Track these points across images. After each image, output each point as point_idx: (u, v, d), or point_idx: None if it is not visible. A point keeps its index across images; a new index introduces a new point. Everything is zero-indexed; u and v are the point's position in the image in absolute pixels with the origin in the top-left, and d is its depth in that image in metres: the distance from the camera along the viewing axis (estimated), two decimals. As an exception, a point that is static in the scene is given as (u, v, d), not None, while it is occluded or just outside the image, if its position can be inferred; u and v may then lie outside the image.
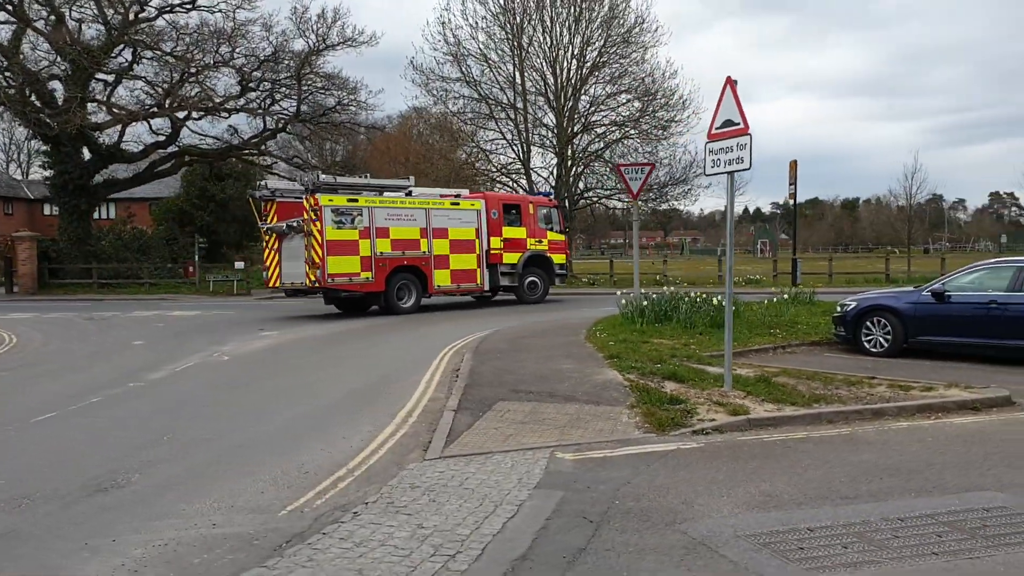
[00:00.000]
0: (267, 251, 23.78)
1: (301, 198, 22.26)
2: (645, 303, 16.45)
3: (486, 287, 25.36)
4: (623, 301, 17.39)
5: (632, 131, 40.26)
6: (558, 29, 39.76)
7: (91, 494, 6.95)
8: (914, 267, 41.25)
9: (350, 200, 22.26)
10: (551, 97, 40.57)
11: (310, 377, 12.72)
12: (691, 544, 5.48)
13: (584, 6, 39.07)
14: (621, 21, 39.70)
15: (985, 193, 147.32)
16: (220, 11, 35.36)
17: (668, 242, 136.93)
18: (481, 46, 39.91)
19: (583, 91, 40.56)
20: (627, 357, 12.44)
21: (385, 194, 23.50)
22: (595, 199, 43.49)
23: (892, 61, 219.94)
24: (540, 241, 26.57)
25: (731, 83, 9.84)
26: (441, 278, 23.99)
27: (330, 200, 21.82)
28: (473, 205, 25.01)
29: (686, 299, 16.56)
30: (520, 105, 40.50)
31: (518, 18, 39.49)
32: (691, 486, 6.77)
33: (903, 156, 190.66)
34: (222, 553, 5.56)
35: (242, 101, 37.88)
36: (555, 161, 41.58)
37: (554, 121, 40.86)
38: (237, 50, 35.51)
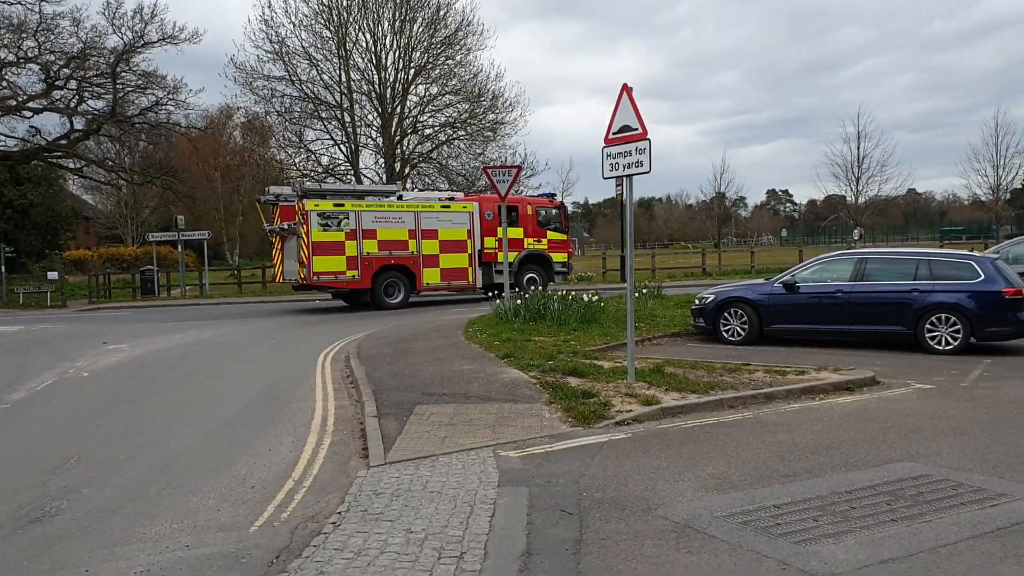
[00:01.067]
0: (274, 250, 26.56)
1: (289, 198, 24.70)
2: (519, 302, 16.84)
3: (478, 285, 26.77)
4: (497, 302, 17.70)
5: (461, 133, 40.73)
6: (383, 29, 39.63)
7: (26, 525, 6.45)
8: (724, 261, 44.18)
9: (336, 205, 24.26)
10: (375, 98, 40.37)
11: (194, 390, 12.17)
12: (678, 528, 5.82)
13: (408, 7, 39.16)
14: (446, 23, 40.11)
15: (763, 191, 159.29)
16: (22, 4, 32.72)
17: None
18: (304, 44, 39.16)
19: (410, 92, 40.64)
20: (520, 356, 12.74)
21: (369, 199, 25.32)
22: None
23: (676, 66, 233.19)
24: (539, 240, 28.04)
25: (627, 90, 10.33)
26: (430, 276, 25.72)
27: (316, 205, 23.89)
28: (465, 207, 26.69)
29: (555, 297, 17.09)
30: (347, 105, 40.04)
31: (342, 16, 39.02)
32: (643, 474, 7.13)
33: (690, 157, 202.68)
34: (217, 573, 5.36)
35: (46, 101, 35.19)
36: (382, 162, 41.41)
37: (380, 122, 40.70)
38: (44, 46, 32.91)
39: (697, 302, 15.93)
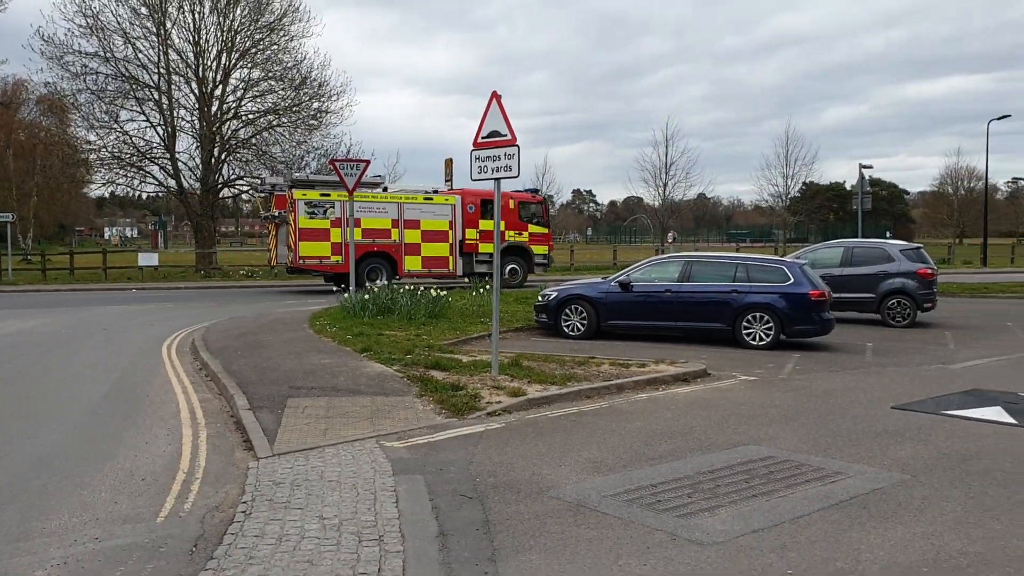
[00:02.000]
0: (270, 236, 28.86)
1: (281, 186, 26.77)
2: (367, 297, 17.01)
3: (459, 273, 28.87)
4: (345, 295, 17.76)
5: (284, 120, 39.94)
6: (205, 9, 38.18)
7: (-95, 526, 6.18)
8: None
9: (323, 195, 26.43)
10: (195, 80, 38.87)
11: (40, 384, 11.60)
12: (572, 507, 6.41)
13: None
14: (271, 9, 39.18)
15: (568, 190, 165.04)
16: None
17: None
18: (119, 20, 37.07)
19: (231, 76, 39.41)
20: (378, 350, 13.00)
21: (343, 190, 25.32)
22: (247, 188, 42.40)
23: (490, 63, 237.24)
24: (520, 233, 30.26)
25: (496, 97, 10.87)
26: (411, 263, 27.94)
27: (304, 195, 26.19)
28: (447, 200, 28.79)
29: (402, 292, 17.39)
30: (164, 87, 38.31)
31: (160, -7, 37.27)
32: (527, 460, 7.70)
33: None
34: (139, 564, 5.41)
35: None
36: (198, 146, 39.89)
37: (198, 105, 39.22)
38: None
39: (541, 299, 16.74)
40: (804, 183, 61.90)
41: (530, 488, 6.87)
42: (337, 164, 17.33)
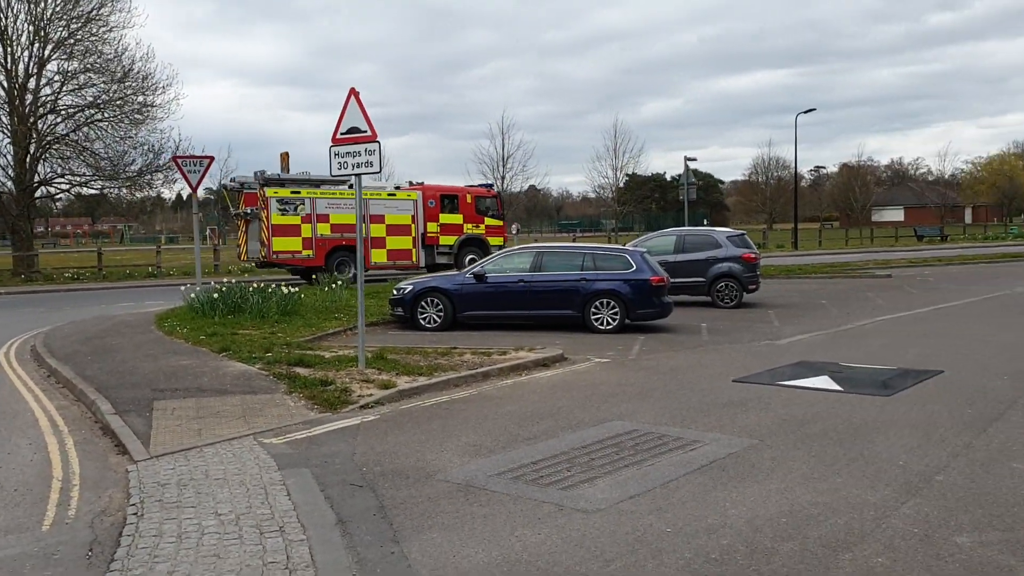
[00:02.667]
0: (239, 232, 29.84)
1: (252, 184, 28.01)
2: (216, 296, 16.64)
3: (421, 264, 30.30)
4: (192, 295, 17.28)
5: (107, 114, 37.92)
6: (13, -2, 35.65)
7: None
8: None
9: (293, 192, 27.66)
10: (2, 72, 36.27)
11: None
12: (462, 488, 6.76)
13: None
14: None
15: (405, 182, 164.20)
16: None
17: (102, 229, 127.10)
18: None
19: (46, 68, 37.02)
20: (236, 349, 12.86)
21: (324, 187, 28.44)
22: (67, 187, 39.94)
23: (315, 55, 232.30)
24: (477, 226, 31.89)
25: (355, 94, 11.03)
26: (377, 256, 29.14)
27: (275, 192, 27.27)
28: (409, 196, 30.37)
29: (252, 289, 17.13)
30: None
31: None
32: (409, 448, 7.99)
33: (325, 146, 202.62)
34: (36, 571, 5.34)
35: None
36: (10, 143, 37.27)
37: (7, 99, 36.63)
38: None
39: (396, 292, 16.93)
40: (627, 174, 64.50)
41: (418, 473, 7.17)
42: (179, 161, 16.86)
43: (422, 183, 32.64)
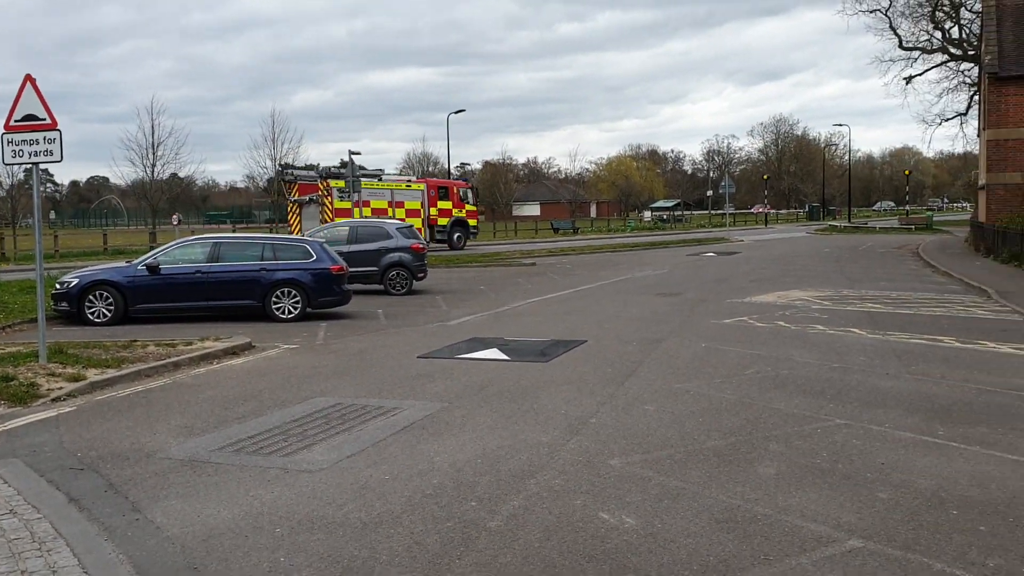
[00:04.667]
0: (292, 216, 37.47)
1: (315, 181, 36.02)
2: None
3: (430, 240, 38.34)
4: None
5: None
6: None
7: None
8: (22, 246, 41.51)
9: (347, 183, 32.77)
10: None
11: None
12: (188, 463, 7.21)
13: None
14: None
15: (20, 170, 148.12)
16: None
17: None
18: None
19: None
20: None
21: (365, 180, 34.66)
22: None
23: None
24: (461, 210, 42.70)
25: (31, 80, 10.64)
26: None
27: (336, 183, 34.83)
28: (419, 187, 40.86)
29: None
30: None
31: None
32: (120, 433, 8.17)
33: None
34: None
35: None
36: None
37: None
38: None
39: (59, 286, 16.07)
40: (281, 164, 64.21)
41: (137, 454, 7.47)
42: None
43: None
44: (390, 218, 32.92)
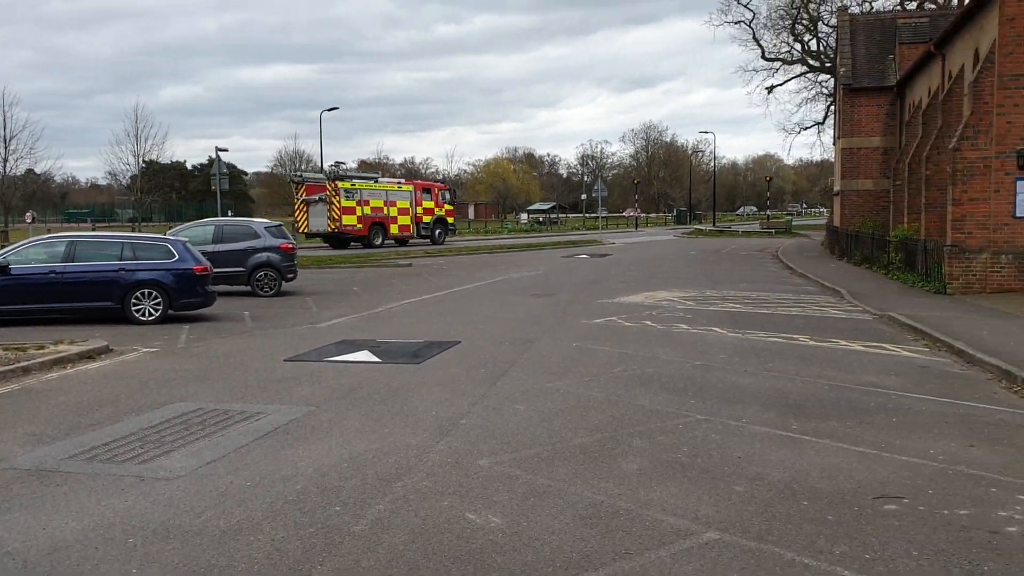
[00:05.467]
0: (299, 212, 42.37)
1: (322, 182, 41.41)
2: None
3: (416, 236, 45.24)
4: None
5: None
6: None
7: None
8: None
9: (351, 184, 41.51)
10: None
11: None
12: (34, 473, 6.81)
13: None
14: None
15: None
16: None
17: None
18: None
19: None
20: None
21: (365, 181, 43.08)
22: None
23: None
24: (441, 209, 47.31)
25: None
26: (394, 229, 43.88)
27: (342, 184, 40.97)
28: (408, 188, 45.95)
29: None
30: None
31: None
32: (-42, 444, 7.67)
33: None
34: None
35: None
36: None
37: None
38: None
39: None
40: (147, 161, 61.89)
41: (-21, 465, 7.02)
42: None
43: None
44: (259, 218, 32.09)
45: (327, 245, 43.24)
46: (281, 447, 7.54)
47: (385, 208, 43.30)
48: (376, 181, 44.42)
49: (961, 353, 11.91)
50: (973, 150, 19.55)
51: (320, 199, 40.99)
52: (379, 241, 42.61)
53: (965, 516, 5.78)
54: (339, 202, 40.63)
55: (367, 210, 41.79)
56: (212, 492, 6.32)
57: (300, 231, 42.47)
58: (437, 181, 55.28)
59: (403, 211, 44.48)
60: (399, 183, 46.84)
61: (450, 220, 49.12)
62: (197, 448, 7.50)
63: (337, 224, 40.74)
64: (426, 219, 46.18)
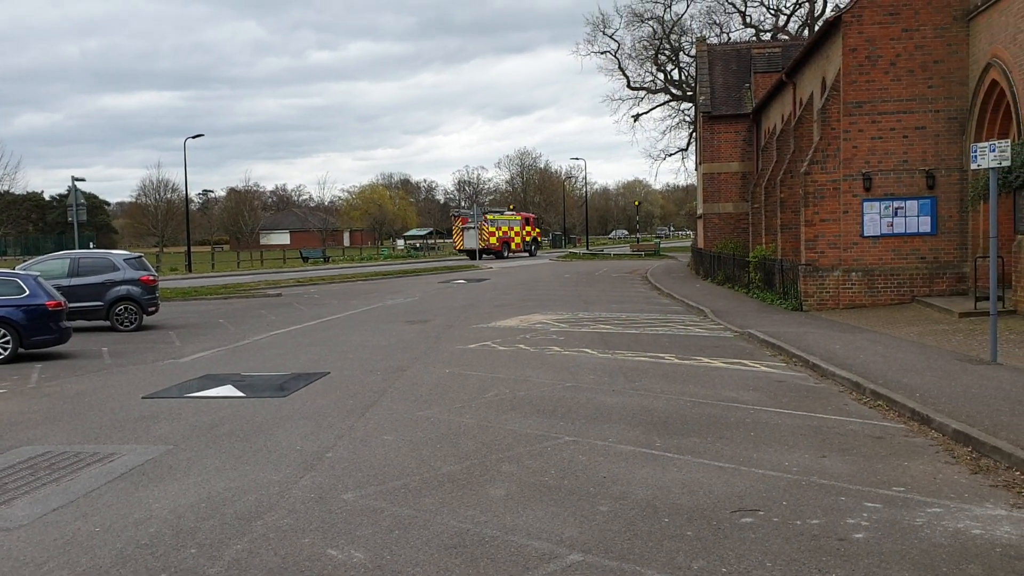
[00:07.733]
0: (456, 236, 66.35)
1: (472, 215, 62.46)
2: None
3: (525, 253, 68.01)
4: None
5: None
6: None
7: None
8: None
9: (492, 217, 66.51)
10: None
11: None
12: None
13: None
14: None
15: None
16: None
17: None
18: None
19: None
20: None
21: (496, 214, 68.19)
22: None
23: None
24: (535, 232, 71.76)
25: None
26: (513, 246, 67.20)
27: (489, 216, 65.69)
28: (519, 218, 69.93)
29: None
30: None
31: None
32: None
33: None
34: None
35: None
36: None
37: None
38: None
39: None
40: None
41: None
42: None
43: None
44: (122, 250, 30.95)
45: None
46: (135, 489, 7.19)
47: (510, 232, 67.20)
48: (502, 214, 69.49)
49: (815, 367, 12.50)
50: (823, 173, 20.66)
51: (473, 227, 61.75)
52: (506, 253, 65.20)
53: (816, 525, 6.02)
54: (487, 229, 63.85)
55: (500, 234, 65.63)
56: (57, 541, 5.96)
57: (456, 248, 66.84)
58: (531, 213, 78.90)
59: (517, 234, 68.05)
60: (515, 215, 71.00)
61: (539, 239, 75.20)
62: (43, 494, 7.08)
63: (485, 243, 63.18)
64: (528, 239, 69.20)
